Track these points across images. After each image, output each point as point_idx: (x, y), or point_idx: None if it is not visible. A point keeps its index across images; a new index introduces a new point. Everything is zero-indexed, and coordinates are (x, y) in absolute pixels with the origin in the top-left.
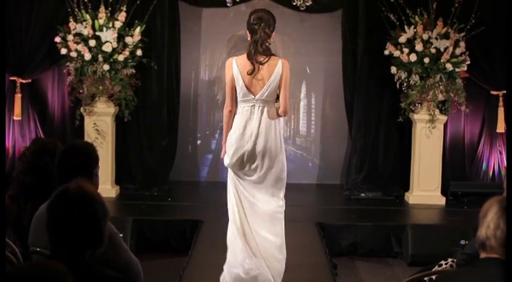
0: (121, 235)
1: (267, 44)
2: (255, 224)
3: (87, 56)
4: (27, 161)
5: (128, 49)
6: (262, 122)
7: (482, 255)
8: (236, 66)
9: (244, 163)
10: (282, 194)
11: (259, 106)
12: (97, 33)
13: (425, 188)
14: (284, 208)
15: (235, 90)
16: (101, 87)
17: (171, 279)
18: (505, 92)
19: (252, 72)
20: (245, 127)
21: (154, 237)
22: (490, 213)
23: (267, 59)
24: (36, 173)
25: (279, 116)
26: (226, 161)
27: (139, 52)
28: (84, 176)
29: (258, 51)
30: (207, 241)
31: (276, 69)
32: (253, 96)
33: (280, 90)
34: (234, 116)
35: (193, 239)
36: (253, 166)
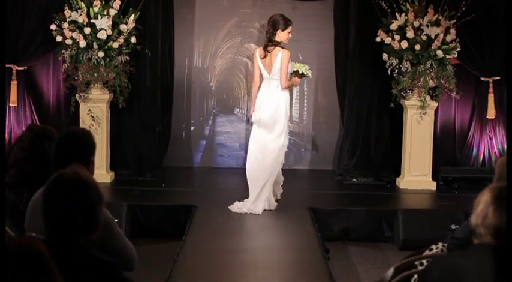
0: (116, 220)
1: (274, 38)
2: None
3: (82, 43)
4: (25, 147)
5: (122, 36)
6: (273, 92)
7: (475, 241)
8: (257, 54)
9: (261, 120)
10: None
11: (271, 81)
12: (92, 20)
13: (416, 174)
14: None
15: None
16: (95, 74)
17: (165, 263)
18: (495, 78)
19: (264, 58)
20: (263, 96)
21: (148, 222)
22: (481, 202)
23: (272, 49)
24: (34, 159)
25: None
26: (252, 117)
27: (133, 39)
28: (81, 163)
29: (267, 43)
30: (200, 226)
31: (278, 56)
32: (267, 75)
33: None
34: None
35: (187, 224)
36: (264, 122)
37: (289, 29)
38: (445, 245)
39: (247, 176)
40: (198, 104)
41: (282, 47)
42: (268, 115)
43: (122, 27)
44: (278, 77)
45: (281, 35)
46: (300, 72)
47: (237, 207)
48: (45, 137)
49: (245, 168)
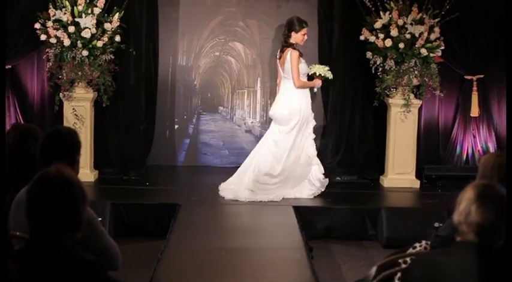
0: (99, 219)
1: (288, 40)
2: None
3: (67, 42)
4: (9, 147)
5: (106, 35)
6: (286, 90)
7: (458, 238)
8: (277, 55)
9: (272, 115)
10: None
11: (285, 80)
12: (76, 19)
13: (400, 172)
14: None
15: None
16: (80, 73)
17: (149, 262)
18: (478, 76)
19: (279, 58)
20: (278, 94)
21: (132, 221)
22: (464, 199)
23: (285, 50)
24: (18, 158)
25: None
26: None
27: (117, 38)
28: (66, 162)
29: (282, 44)
30: (184, 224)
31: (287, 56)
32: (282, 74)
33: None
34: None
35: (171, 222)
36: (272, 116)
37: (304, 31)
38: (429, 243)
39: None
40: (182, 102)
41: (294, 48)
42: (274, 111)
43: (106, 25)
44: (290, 76)
45: (295, 37)
46: (318, 74)
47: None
48: (29, 136)
49: (229, 167)
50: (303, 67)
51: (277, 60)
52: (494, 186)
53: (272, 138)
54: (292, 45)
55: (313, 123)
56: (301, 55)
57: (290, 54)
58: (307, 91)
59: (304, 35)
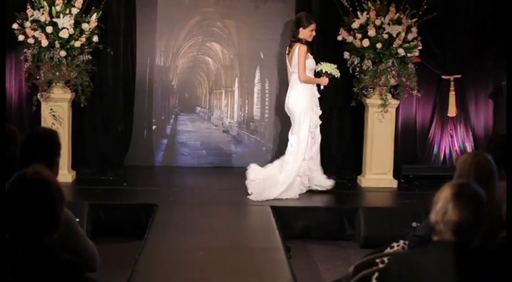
0: (77, 220)
1: (297, 36)
2: None
3: (44, 43)
4: None
5: (84, 35)
6: (293, 85)
7: (435, 238)
8: (286, 51)
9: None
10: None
11: (293, 74)
12: (54, 19)
13: (378, 172)
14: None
15: None
16: (57, 73)
17: (127, 263)
18: (456, 76)
19: (288, 54)
20: (288, 89)
21: (110, 221)
22: (441, 198)
23: (293, 45)
24: None
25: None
26: None
27: (95, 38)
28: (45, 163)
29: (290, 40)
30: (162, 225)
31: (295, 51)
32: (290, 69)
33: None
34: None
35: (148, 223)
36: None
37: (312, 26)
38: (406, 242)
39: None
40: (159, 103)
41: (302, 43)
42: (286, 105)
43: (84, 26)
44: (297, 70)
45: (303, 33)
46: (324, 72)
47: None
48: (8, 136)
49: (206, 167)
50: (310, 63)
51: (286, 56)
52: (471, 185)
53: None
54: (300, 41)
55: (313, 120)
56: (309, 51)
57: (298, 49)
58: (312, 87)
59: (312, 30)
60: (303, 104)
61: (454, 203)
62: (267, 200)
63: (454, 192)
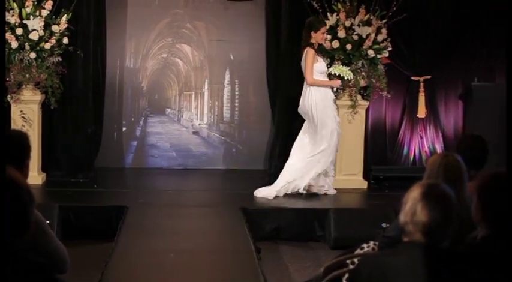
0: (47, 222)
1: (308, 40)
2: None
3: (14, 44)
4: None
5: (54, 37)
6: (305, 88)
7: (405, 239)
8: None
9: None
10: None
11: (304, 78)
12: (24, 21)
13: (348, 173)
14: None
15: None
16: (27, 75)
17: (98, 265)
18: (425, 77)
19: (302, 57)
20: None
21: (80, 223)
22: (409, 199)
23: (303, 50)
24: None
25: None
26: None
27: (65, 40)
28: (15, 166)
29: (302, 45)
30: (132, 227)
31: (303, 55)
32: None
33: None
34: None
35: (119, 225)
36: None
37: (323, 29)
38: (376, 243)
39: None
40: (129, 104)
41: (310, 47)
42: (300, 108)
43: (54, 28)
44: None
45: (315, 36)
46: (337, 74)
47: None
48: None
49: (176, 169)
50: (319, 66)
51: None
52: (440, 186)
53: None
54: (310, 45)
55: (330, 125)
56: (318, 54)
57: (306, 52)
58: (325, 89)
59: (323, 33)
60: (316, 106)
61: (422, 203)
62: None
63: (423, 193)
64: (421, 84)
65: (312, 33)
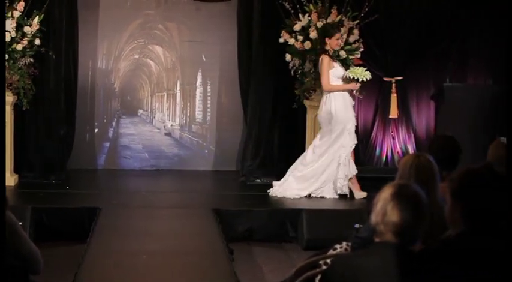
0: (20, 223)
1: (324, 46)
2: None
3: None
4: None
5: (26, 38)
6: (323, 94)
7: (376, 239)
8: None
9: None
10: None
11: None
12: None
13: None
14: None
15: None
16: None
17: (71, 266)
18: (397, 78)
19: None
20: None
21: (53, 225)
22: (380, 199)
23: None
24: None
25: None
26: None
27: (37, 41)
28: None
29: (318, 52)
30: (105, 228)
31: (319, 62)
32: None
33: None
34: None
35: (91, 226)
36: None
37: (337, 35)
38: (349, 244)
39: None
40: (101, 106)
41: (325, 54)
42: (320, 115)
43: (26, 29)
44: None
45: (330, 42)
46: (351, 77)
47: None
48: None
49: (149, 170)
50: (335, 71)
51: None
52: (410, 186)
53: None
54: (325, 51)
55: (349, 130)
56: (333, 60)
57: (321, 60)
58: (341, 95)
59: (337, 39)
60: (337, 113)
61: (393, 203)
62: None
63: (393, 193)
64: (393, 85)
65: (327, 39)
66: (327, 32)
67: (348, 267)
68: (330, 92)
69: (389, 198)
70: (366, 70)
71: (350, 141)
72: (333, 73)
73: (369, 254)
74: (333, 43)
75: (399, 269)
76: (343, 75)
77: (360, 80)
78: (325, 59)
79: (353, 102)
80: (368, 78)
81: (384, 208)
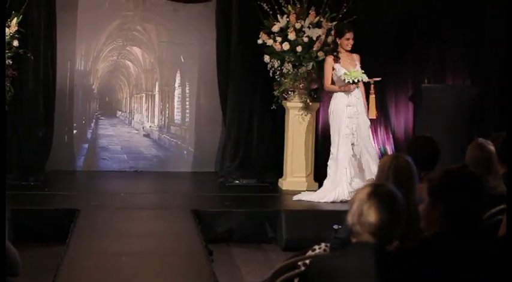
0: None
1: (335, 46)
2: None
3: None
4: None
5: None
6: None
7: (353, 239)
8: None
9: None
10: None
11: None
12: None
13: (299, 174)
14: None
15: None
16: None
17: (50, 268)
18: (375, 79)
19: None
20: None
21: (32, 226)
22: (356, 199)
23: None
24: None
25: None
26: None
27: (16, 43)
28: None
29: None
30: (84, 229)
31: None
32: None
33: None
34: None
35: (70, 228)
36: None
37: (347, 35)
38: (328, 245)
39: None
40: (80, 107)
41: (331, 54)
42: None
43: None
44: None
45: (341, 42)
46: (347, 81)
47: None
48: None
49: (128, 171)
50: (337, 72)
51: None
52: (386, 186)
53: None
54: (333, 51)
55: (344, 131)
56: (338, 60)
57: (325, 59)
58: (338, 96)
59: (347, 39)
60: (333, 113)
61: (369, 203)
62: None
63: (369, 193)
64: (372, 86)
65: (338, 39)
66: (337, 31)
67: (325, 268)
68: (329, 92)
69: (365, 199)
70: (363, 72)
71: (345, 146)
72: (335, 73)
73: (346, 254)
74: (343, 43)
75: (377, 269)
76: (341, 77)
77: (358, 81)
78: (327, 60)
79: (350, 104)
80: (361, 80)
81: (360, 208)
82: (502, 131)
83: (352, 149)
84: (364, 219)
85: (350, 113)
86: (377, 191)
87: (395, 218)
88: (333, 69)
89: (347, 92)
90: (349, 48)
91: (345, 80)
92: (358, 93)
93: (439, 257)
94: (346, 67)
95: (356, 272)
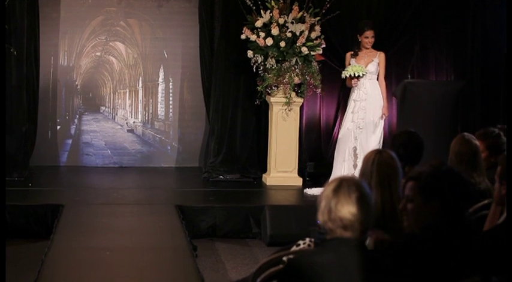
0: None
1: (358, 44)
2: None
3: None
4: None
5: None
6: None
7: (328, 237)
8: None
9: None
10: None
11: None
12: None
13: (282, 170)
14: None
15: None
16: None
17: (34, 264)
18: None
19: None
20: None
21: (15, 222)
22: (323, 198)
23: None
24: None
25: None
26: None
27: None
28: None
29: None
30: (68, 225)
31: None
32: None
33: None
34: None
35: (54, 223)
36: None
37: (366, 33)
38: (313, 240)
39: None
40: (63, 102)
41: (352, 50)
42: None
43: None
44: None
45: (361, 39)
46: (343, 75)
47: None
48: None
49: (111, 167)
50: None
51: None
52: (350, 179)
53: None
54: (355, 49)
55: (346, 125)
56: (353, 57)
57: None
58: (352, 90)
59: (366, 37)
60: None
61: (336, 199)
62: None
63: (334, 189)
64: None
65: (358, 36)
66: (359, 29)
67: (303, 265)
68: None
69: (331, 195)
70: (361, 67)
71: (346, 139)
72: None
73: (324, 250)
74: (363, 40)
75: (354, 263)
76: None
77: (358, 75)
78: (346, 56)
79: (354, 101)
80: (358, 74)
81: (328, 206)
82: (486, 126)
83: (355, 143)
84: (334, 215)
85: (354, 108)
86: (342, 186)
87: (364, 209)
88: (349, 64)
89: (353, 86)
90: (368, 46)
91: (347, 76)
92: (370, 90)
93: (416, 251)
94: (360, 63)
95: (334, 267)
